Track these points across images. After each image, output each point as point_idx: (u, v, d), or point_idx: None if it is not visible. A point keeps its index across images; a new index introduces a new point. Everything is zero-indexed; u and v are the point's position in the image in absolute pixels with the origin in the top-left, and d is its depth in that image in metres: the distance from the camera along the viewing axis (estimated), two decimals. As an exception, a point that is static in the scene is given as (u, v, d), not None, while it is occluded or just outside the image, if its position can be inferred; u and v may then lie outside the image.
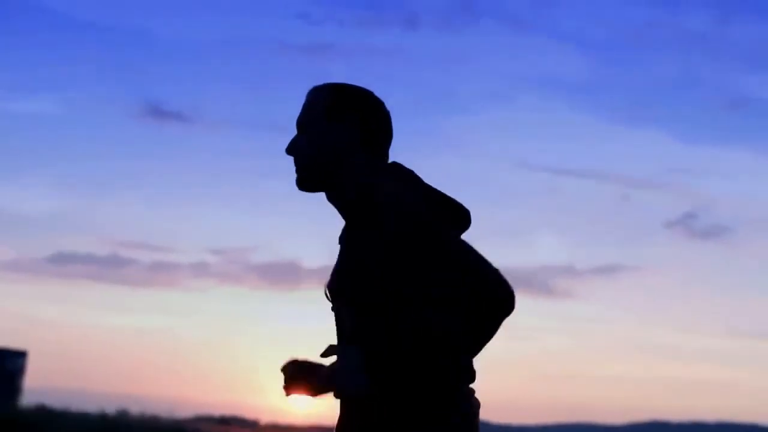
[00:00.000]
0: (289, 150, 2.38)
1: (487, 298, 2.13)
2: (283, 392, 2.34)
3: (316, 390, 2.30)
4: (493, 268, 2.17)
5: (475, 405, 2.23)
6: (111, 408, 22.89)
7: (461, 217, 2.29)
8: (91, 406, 22.97)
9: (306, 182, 2.37)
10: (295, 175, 2.39)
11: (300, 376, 2.31)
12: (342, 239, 2.35)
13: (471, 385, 2.24)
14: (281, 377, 2.35)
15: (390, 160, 2.39)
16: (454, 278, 2.13)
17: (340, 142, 2.32)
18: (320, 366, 2.30)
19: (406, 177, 2.29)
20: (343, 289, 2.25)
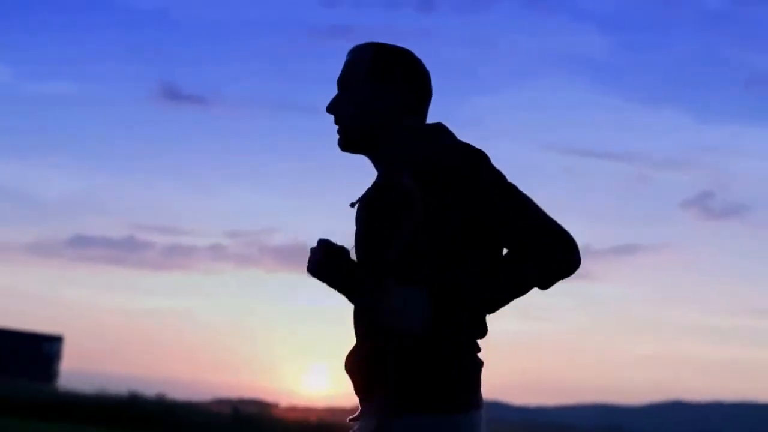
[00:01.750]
0: (331, 109, 2.38)
1: (559, 257, 2.20)
2: (308, 272, 2.35)
3: (341, 284, 2.35)
4: (561, 227, 2.24)
5: (481, 361, 2.28)
6: (127, 390, 22.99)
7: None
8: (111, 388, 23.07)
9: (350, 143, 2.36)
10: (336, 136, 2.38)
11: (330, 262, 2.32)
12: (373, 201, 2.33)
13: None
14: (309, 255, 2.35)
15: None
16: (532, 230, 2.18)
17: (385, 103, 2.32)
18: (349, 259, 2.32)
19: (449, 135, 2.31)
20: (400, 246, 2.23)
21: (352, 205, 2.36)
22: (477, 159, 2.21)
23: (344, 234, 2.39)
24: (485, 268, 2.19)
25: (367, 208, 2.32)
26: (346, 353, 2.32)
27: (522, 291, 2.21)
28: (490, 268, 2.19)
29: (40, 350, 32.77)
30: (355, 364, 2.29)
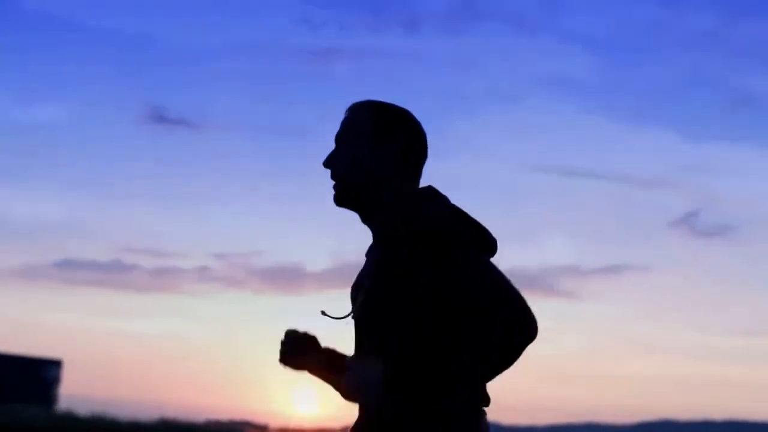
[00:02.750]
0: (328, 163, 2.39)
1: (517, 326, 2.18)
2: (280, 363, 2.39)
3: (314, 369, 2.39)
4: (521, 296, 2.22)
5: (485, 428, 2.28)
6: (121, 413, 23.54)
7: (489, 243, 2.33)
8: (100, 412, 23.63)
9: (346, 198, 2.37)
10: (333, 191, 2.39)
11: (300, 349, 2.37)
12: (370, 255, 2.38)
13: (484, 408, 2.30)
14: (279, 347, 2.39)
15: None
16: (488, 308, 2.17)
17: (382, 162, 2.34)
18: (318, 345, 2.37)
19: (442, 202, 2.32)
20: (371, 308, 2.27)
21: (324, 313, 2.38)
22: (449, 240, 2.22)
23: (330, 253, 2.46)
24: (445, 347, 2.19)
25: (367, 256, 2.36)
26: (353, 425, 2.33)
27: (492, 368, 2.21)
28: (449, 350, 2.19)
29: (39, 375, 32.86)
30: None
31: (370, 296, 2.27)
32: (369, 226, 2.39)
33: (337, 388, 2.38)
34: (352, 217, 2.41)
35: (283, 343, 2.38)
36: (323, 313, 2.36)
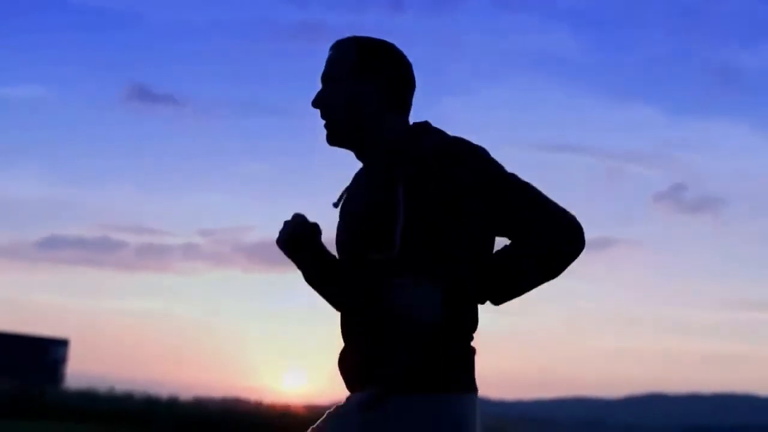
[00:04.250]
0: (316, 103, 2.38)
1: (568, 237, 2.23)
2: (276, 244, 2.38)
3: (308, 261, 2.40)
4: (560, 207, 2.26)
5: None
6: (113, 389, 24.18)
7: None
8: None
9: (338, 137, 2.36)
10: (323, 131, 2.38)
11: (302, 234, 2.36)
12: (369, 177, 2.35)
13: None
14: (282, 227, 2.37)
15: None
16: (533, 219, 2.19)
17: (371, 97, 2.33)
18: (324, 249, 2.40)
19: (437, 131, 2.33)
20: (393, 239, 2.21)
21: (336, 205, 2.38)
22: (481, 151, 2.23)
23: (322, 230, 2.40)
24: (493, 261, 2.21)
25: (365, 203, 2.30)
26: (338, 354, 2.32)
27: (533, 280, 2.23)
28: (499, 262, 2.20)
29: (45, 354, 33.42)
30: (348, 364, 2.29)
31: (395, 207, 2.21)
32: (364, 162, 2.39)
33: (327, 296, 2.43)
34: (339, 190, 2.40)
35: (286, 224, 2.38)
36: (336, 205, 2.39)
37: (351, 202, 2.37)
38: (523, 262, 2.20)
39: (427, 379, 2.18)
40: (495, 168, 2.23)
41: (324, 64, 2.40)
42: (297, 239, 2.38)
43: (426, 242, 2.20)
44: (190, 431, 19.84)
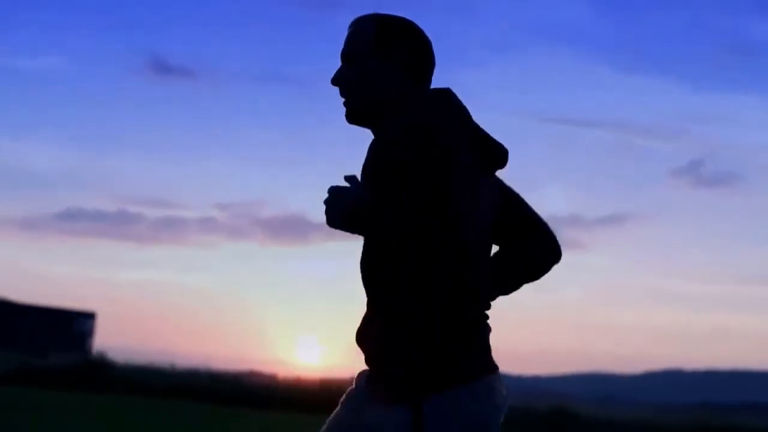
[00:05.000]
0: (335, 81, 2.37)
1: (547, 244, 2.41)
2: (328, 225, 2.25)
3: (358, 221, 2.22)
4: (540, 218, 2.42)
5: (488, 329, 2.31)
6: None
7: (496, 155, 2.34)
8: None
9: (357, 116, 2.35)
10: (343, 108, 2.37)
11: (344, 203, 2.21)
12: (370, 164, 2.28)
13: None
14: (324, 209, 2.24)
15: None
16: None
17: (391, 75, 2.32)
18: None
19: (448, 106, 2.31)
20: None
21: (347, 178, 2.30)
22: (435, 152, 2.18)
23: None
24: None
25: (364, 172, 2.25)
26: (358, 326, 2.32)
27: (529, 274, 2.42)
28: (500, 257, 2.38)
29: (72, 327, 33.57)
30: (365, 336, 2.30)
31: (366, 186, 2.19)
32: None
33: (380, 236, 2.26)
34: (357, 163, 2.31)
35: (327, 203, 2.23)
36: (346, 177, 2.29)
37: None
38: (516, 280, 2.40)
39: (434, 376, 2.19)
40: (449, 156, 2.19)
41: (343, 39, 2.39)
42: (344, 213, 2.22)
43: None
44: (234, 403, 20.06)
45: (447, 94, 2.35)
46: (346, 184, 2.24)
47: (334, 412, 2.37)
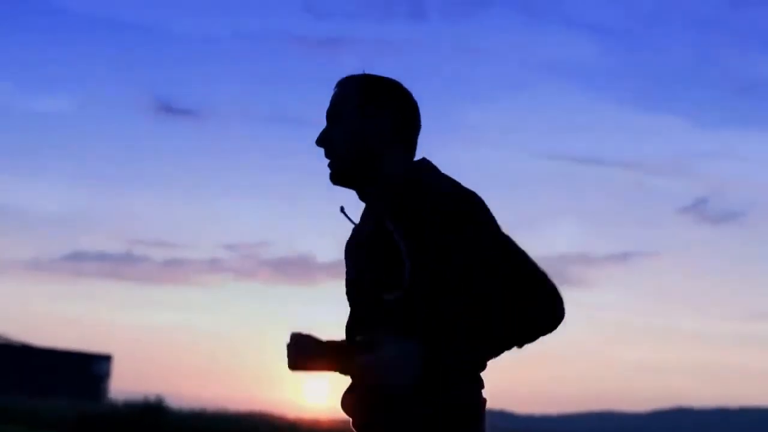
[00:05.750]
0: (320, 142, 2.34)
1: (544, 306, 2.17)
2: (289, 368, 2.28)
3: (327, 368, 2.28)
4: (547, 276, 2.20)
5: (483, 402, 2.25)
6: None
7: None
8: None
9: (342, 176, 2.32)
10: (328, 170, 2.34)
11: (308, 351, 2.26)
12: (363, 237, 2.30)
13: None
14: (286, 353, 2.28)
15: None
16: (504, 271, 2.13)
17: (376, 136, 2.29)
18: (325, 342, 2.28)
19: (436, 171, 2.29)
20: (380, 280, 2.20)
21: (343, 210, 2.33)
22: (469, 205, 2.18)
23: (340, 242, 2.38)
24: (474, 323, 2.15)
25: (365, 249, 2.26)
26: (342, 394, 2.30)
27: (509, 344, 2.18)
28: (478, 324, 2.15)
29: (90, 370, 33.44)
30: (351, 407, 2.26)
31: (378, 258, 2.21)
32: (366, 202, 2.35)
33: (349, 373, 2.28)
34: (358, 204, 2.36)
35: (289, 347, 2.28)
36: (342, 209, 2.33)
37: (356, 241, 2.35)
38: (510, 338, 2.18)
39: None
40: (484, 225, 2.18)
41: (330, 99, 2.36)
42: (305, 357, 2.28)
43: (413, 296, 2.16)
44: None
45: (429, 166, 2.31)
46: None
47: None
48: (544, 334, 2.21)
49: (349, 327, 2.33)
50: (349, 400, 2.27)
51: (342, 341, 2.31)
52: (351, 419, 2.27)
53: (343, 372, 2.28)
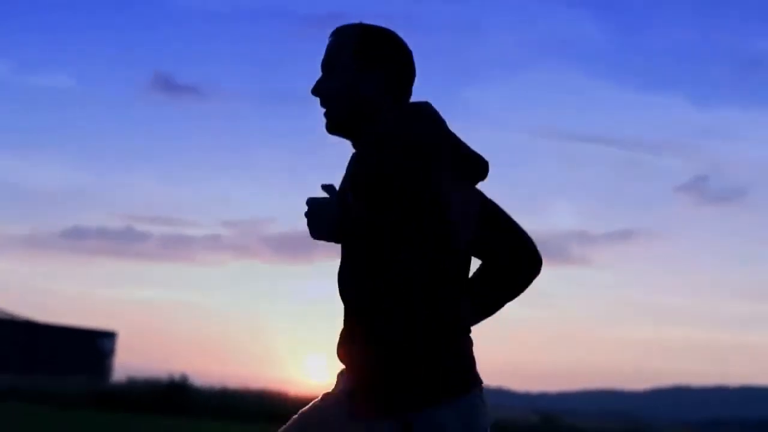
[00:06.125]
0: (316, 91, 2.35)
1: (525, 257, 2.27)
2: (312, 238, 2.20)
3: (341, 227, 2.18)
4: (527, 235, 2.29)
5: (471, 353, 2.26)
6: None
7: (476, 167, 2.29)
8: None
9: (337, 125, 2.33)
10: (323, 119, 2.35)
11: (326, 214, 2.18)
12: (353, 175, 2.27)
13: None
14: (306, 221, 2.21)
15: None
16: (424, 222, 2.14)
17: (371, 85, 2.30)
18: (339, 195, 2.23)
19: (426, 119, 2.28)
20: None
21: (324, 187, 2.26)
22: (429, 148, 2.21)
23: None
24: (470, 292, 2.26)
25: (346, 183, 2.27)
26: (338, 340, 2.31)
27: (510, 293, 2.30)
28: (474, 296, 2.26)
29: (95, 346, 33.56)
30: (347, 352, 2.28)
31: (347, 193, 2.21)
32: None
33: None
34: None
35: (309, 214, 2.21)
36: (323, 186, 2.26)
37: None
38: (497, 295, 2.29)
39: (420, 391, 2.17)
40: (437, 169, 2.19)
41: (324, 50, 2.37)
42: (330, 223, 2.20)
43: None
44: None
45: (426, 106, 2.33)
46: (324, 195, 2.22)
47: (306, 409, 2.32)
48: (527, 286, 2.31)
49: (340, 272, 2.31)
50: (347, 351, 2.29)
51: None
52: (348, 368, 2.29)
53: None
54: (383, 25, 2.40)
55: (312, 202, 2.19)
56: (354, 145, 2.35)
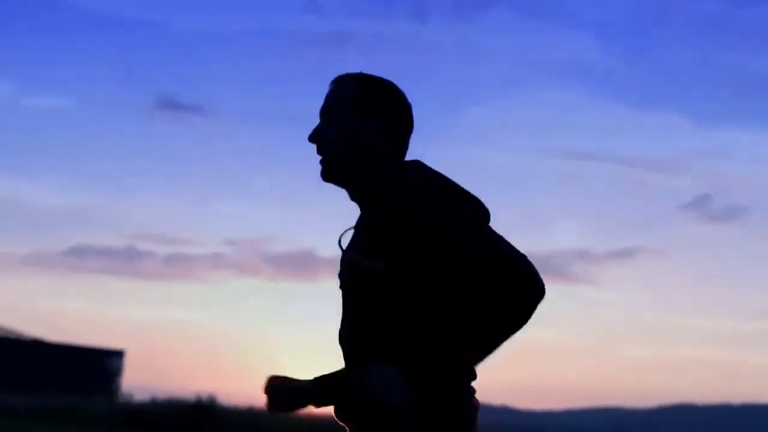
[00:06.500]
0: (313, 138, 2.35)
1: (527, 288, 2.10)
2: (269, 412, 2.27)
3: (303, 406, 2.25)
4: (527, 259, 2.13)
5: (476, 405, 2.21)
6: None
7: (485, 211, 2.22)
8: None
9: (332, 173, 2.33)
10: (319, 166, 2.35)
11: (283, 400, 2.24)
12: (358, 228, 2.29)
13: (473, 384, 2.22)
14: (264, 397, 2.26)
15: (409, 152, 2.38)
16: (491, 270, 2.09)
17: (368, 135, 2.29)
18: (301, 385, 2.24)
19: (428, 168, 2.25)
20: (359, 278, 2.21)
21: (339, 243, 2.31)
22: (433, 205, 2.14)
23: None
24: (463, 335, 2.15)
25: (356, 230, 2.29)
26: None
27: (501, 338, 2.16)
28: (465, 333, 2.15)
29: (103, 366, 33.51)
30: (345, 412, 2.23)
31: (358, 262, 2.22)
32: (357, 202, 2.34)
33: (327, 405, 2.25)
34: (350, 205, 2.35)
35: (266, 393, 2.25)
36: (339, 242, 2.31)
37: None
38: (501, 330, 2.15)
39: None
40: (448, 219, 2.13)
41: (324, 98, 2.37)
42: (283, 405, 2.25)
43: (373, 291, 2.16)
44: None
45: (421, 163, 2.28)
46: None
47: None
48: (525, 318, 2.15)
49: (341, 336, 2.30)
50: (344, 412, 2.24)
51: (320, 376, 2.25)
52: (347, 428, 2.25)
53: (320, 406, 2.25)
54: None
55: (277, 387, 2.24)
56: (349, 194, 2.35)
